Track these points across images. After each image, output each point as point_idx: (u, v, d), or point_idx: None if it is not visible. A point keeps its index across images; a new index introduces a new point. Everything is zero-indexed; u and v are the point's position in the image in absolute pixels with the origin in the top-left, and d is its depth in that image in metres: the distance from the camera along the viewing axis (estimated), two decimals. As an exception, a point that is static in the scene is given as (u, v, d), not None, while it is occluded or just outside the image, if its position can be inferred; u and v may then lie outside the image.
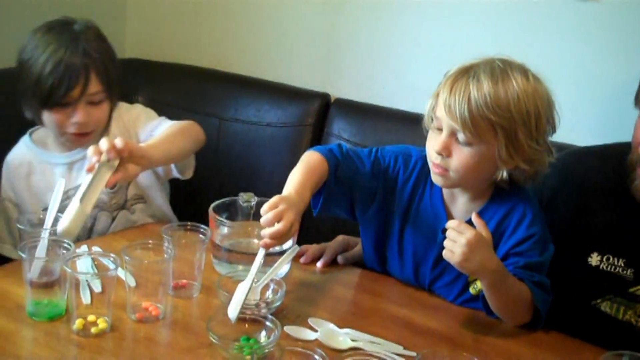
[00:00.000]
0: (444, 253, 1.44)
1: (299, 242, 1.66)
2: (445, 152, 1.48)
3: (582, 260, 1.63)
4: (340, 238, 1.81)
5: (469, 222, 1.48)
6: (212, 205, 1.65)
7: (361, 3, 2.32)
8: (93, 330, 1.34)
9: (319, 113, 2.30)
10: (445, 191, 1.62)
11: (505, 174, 1.50)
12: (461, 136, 1.46)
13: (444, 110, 1.47)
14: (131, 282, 1.41)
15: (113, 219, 1.96)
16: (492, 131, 1.45)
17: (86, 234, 1.91)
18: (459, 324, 1.53)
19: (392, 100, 2.27)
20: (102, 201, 1.93)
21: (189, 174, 2.03)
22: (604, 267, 1.62)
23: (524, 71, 1.48)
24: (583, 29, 2.01)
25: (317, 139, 2.29)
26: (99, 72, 1.85)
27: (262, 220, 1.43)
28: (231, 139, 2.37)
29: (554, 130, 1.52)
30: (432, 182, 1.59)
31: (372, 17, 2.30)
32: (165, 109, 2.37)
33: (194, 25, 2.60)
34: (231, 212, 1.69)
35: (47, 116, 1.85)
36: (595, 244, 1.63)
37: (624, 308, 1.61)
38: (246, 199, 1.70)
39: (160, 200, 2.06)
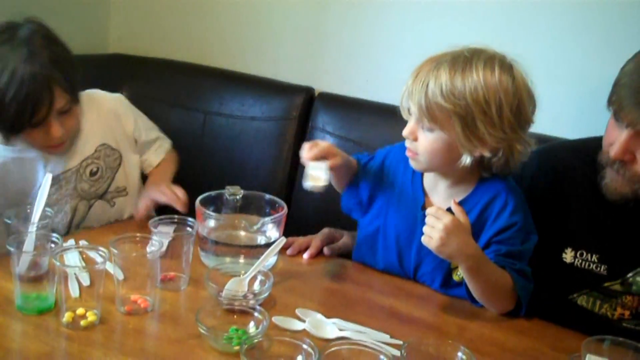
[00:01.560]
0: (423, 238, 1.48)
1: (286, 234, 1.67)
2: (412, 136, 1.55)
3: (557, 255, 1.65)
4: (326, 230, 1.83)
5: (450, 209, 1.51)
6: (198, 198, 1.66)
7: (345, -2, 2.33)
8: (82, 323, 1.35)
9: (303, 107, 2.31)
10: (426, 178, 1.66)
11: (468, 160, 1.53)
12: (424, 122, 1.51)
13: (407, 97, 1.54)
14: (119, 275, 1.42)
15: (89, 208, 1.94)
16: (447, 118, 1.48)
17: (66, 226, 1.91)
18: (444, 313, 1.55)
19: (375, 94, 2.28)
20: (83, 189, 1.91)
21: None
22: (578, 264, 1.63)
23: (490, 61, 1.49)
24: (567, 25, 2.03)
25: (301, 132, 2.30)
26: (61, 83, 1.72)
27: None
28: (216, 133, 2.37)
29: (526, 121, 1.53)
30: (413, 169, 1.64)
31: (356, 12, 2.32)
32: (149, 104, 2.38)
33: (178, 20, 2.60)
34: (217, 205, 1.71)
35: (18, 138, 1.78)
36: (569, 239, 1.65)
37: (599, 302, 1.63)
38: (232, 192, 1.72)
39: (138, 188, 2.05)
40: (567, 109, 2.05)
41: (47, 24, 1.80)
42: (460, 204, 1.54)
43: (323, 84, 2.37)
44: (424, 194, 1.65)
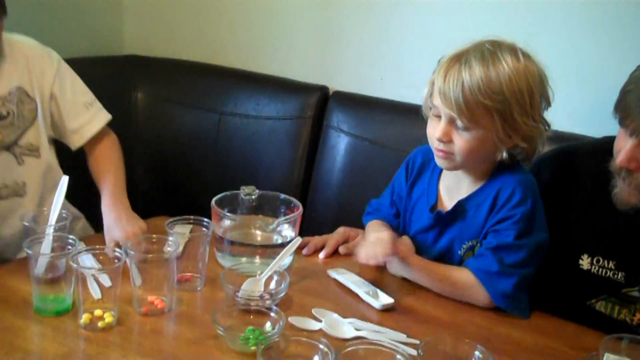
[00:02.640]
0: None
1: (301, 234, 1.67)
2: (446, 138, 1.52)
3: (574, 262, 1.63)
4: (341, 229, 1.83)
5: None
6: (214, 199, 1.66)
7: (358, -4, 2.33)
8: (100, 324, 1.36)
9: (317, 106, 2.31)
10: (448, 177, 1.64)
11: (505, 154, 1.53)
12: (459, 122, 1.49)
13: (439, 98, 1.50)
14: (136, 276, 1.43)
15: None
16: (489, 115, 1.48)
17: None
18: (460, 312, 1.54)
19: (390, 92, 2.28)
20: None
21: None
22: (595, 271, 1.61)
23: (513, 50, 1.50)
24: (585, 21, 2.02)
25: (316, 131, 2.30)
26: None
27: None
28: (231, 133, 2.38)
29: (548, 104, 1.54)
30: (432, 171, 1.65)
31: (370, 10, 2.31)
32: (164, 105, 2.40)
33: (192, 20, 2.60)
34: (233, 205, 1.71)
35: None
36: (585, 246, 1.63)
37: (618, 307, 1.62)
38: (248, 192, 1.72)
39: (52, 157, 1.85)
40: (584, 105, 2.03)
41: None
42: (472, 196, 1.58)
43: (337, 83, 2.37)
44: (437, 191, 1.65)
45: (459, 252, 1.61)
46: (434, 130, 1.54)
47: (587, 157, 1.69)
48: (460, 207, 1.60)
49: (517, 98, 1.47)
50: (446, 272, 1.58)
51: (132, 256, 1.42)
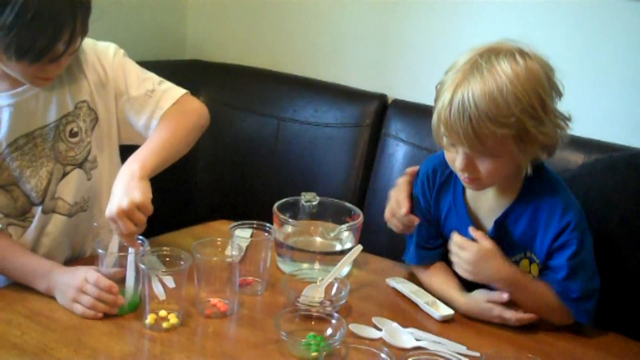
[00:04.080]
0: (454, 267, 1.50)
1: (362, 242, 1.68)
2: (470, 168, 1.44)
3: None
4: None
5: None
6: (276, 204, 1.68)
7: (418, 2, 2.32)
8: (164, 325, 1.38)
9: (376, 114, 2.31)
10: (475, 193, 1.57)
11: (530, 169, 1.47)
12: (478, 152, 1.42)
13: (449, 133, 1.42)
14: (200, 278, 1.45)
15: (63, 175, 1.61)
16: (502, 141, 1.39)
17: (41, 195, 1.59)
18: (522, 325, 1.52)
19: (450, 102, 2.26)
20: (59, 150, 1.60)
21: None
22: None
23: (510, 55, 1.40)
24: (614, 23, 1.99)
25: (374, 140, 2.30)
26: (84, 19, 1.45)
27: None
28: (289, 139, 2.39)
29: (560, 95, 1.44)
30: (454, 186, 1.59)
31: (430, 17, 2.31)
32: (224, 110, 2.42)
33: (253, 26, 2.63)
34: (294, 211, 1.73)
35: (7, 64, 1.45)
36: None
37: None
38: (309, 198, 1.74)
39: (113, 166, 1.68)
40: (617, 111, 2.00)
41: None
42: (507, 213, 1.51)
43: (397, 91, 2.36)
44: (467, 208, 1.58)
45: None
46: (454, 160, 1.46)
47: (618, 185, 1.61)
48: (499, 228, 1.53)
49: (529, 112, 1.37)
50: (539, 291, 1.50)
51: (197, 259, 1.44)
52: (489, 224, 1.56)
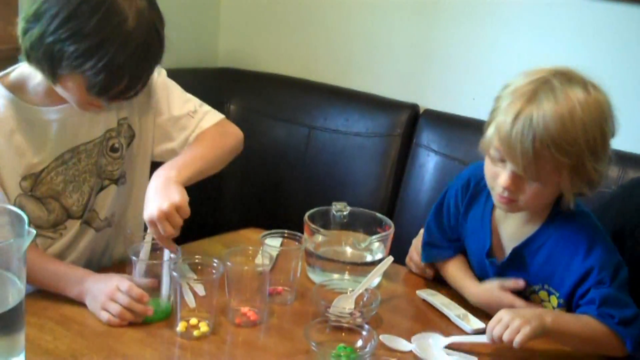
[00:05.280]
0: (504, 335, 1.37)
1: (392, 253, 1.67)
2: (514, 188, 1.39)
3: None
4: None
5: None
6: (307, 214, 1.67)
7: (451, 13, 2.31)
8: (195, 333, 1.39)
9: (407, 124, 2.30)
10: (503, 215, 1.54)
11: (572, 204, 1.43)
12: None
13: (503, 147, 1.37)
14: (231, 287, 1.45)
15: (101, 189, 1.64)
16: (558, 170, 1.36)
17: (81, 210, 1.62)
18: (554, 342, 1.50)
19: (482, 112, 2.20)
20: (100, 165, 1.62)
21: None
22: None
23: (583, 85, 1.36)
24: None
25: (405, 149, 2.29)
26: (153, 66, 1.50)
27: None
28: (320, 148, 2.39)
29: (613, 135, 1.41)
30: (485, 201, 1.56)
31: (462, 27, 2.30)
32: (255, 118, 2.43)
33: (285, 35, 2.64)
34: (324, 220, 1.72)
35: (66, 89, 1.45)
36: None
37: None
38: (339, 208, 1.73)
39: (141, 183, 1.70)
40: None
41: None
42: (527, 242, 1.49)
43: (428, 101, 2.36)
44: (491, 232, 1.55)
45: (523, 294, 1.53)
46: (498, 176, 1.41)
47: None
48: (516, 255, 1.51)
49: (590, 145, 1.34)
50: (584, 332, 1.42)
51: (228, 267, 1.44)
52: (507, 249, 1.54)
